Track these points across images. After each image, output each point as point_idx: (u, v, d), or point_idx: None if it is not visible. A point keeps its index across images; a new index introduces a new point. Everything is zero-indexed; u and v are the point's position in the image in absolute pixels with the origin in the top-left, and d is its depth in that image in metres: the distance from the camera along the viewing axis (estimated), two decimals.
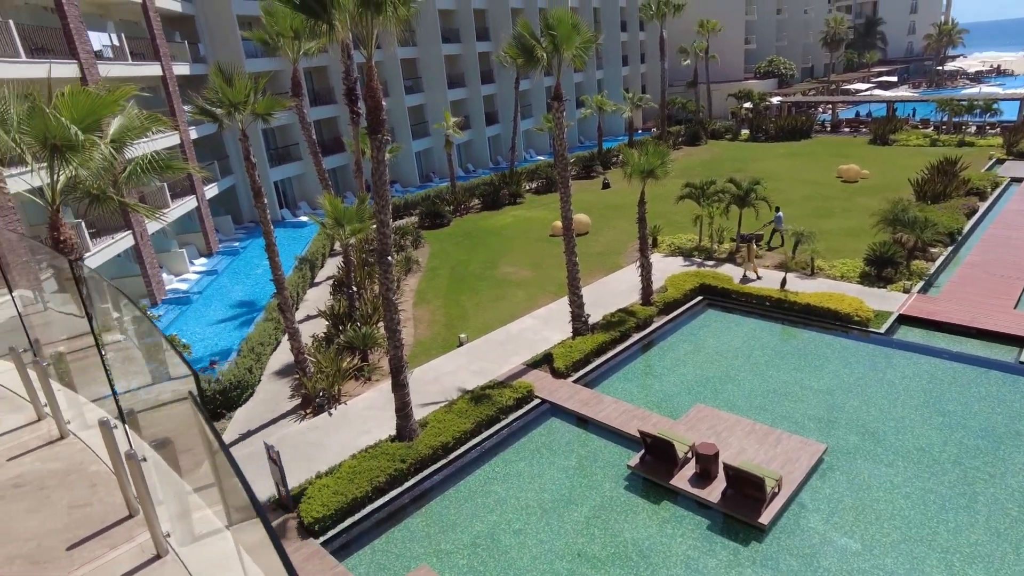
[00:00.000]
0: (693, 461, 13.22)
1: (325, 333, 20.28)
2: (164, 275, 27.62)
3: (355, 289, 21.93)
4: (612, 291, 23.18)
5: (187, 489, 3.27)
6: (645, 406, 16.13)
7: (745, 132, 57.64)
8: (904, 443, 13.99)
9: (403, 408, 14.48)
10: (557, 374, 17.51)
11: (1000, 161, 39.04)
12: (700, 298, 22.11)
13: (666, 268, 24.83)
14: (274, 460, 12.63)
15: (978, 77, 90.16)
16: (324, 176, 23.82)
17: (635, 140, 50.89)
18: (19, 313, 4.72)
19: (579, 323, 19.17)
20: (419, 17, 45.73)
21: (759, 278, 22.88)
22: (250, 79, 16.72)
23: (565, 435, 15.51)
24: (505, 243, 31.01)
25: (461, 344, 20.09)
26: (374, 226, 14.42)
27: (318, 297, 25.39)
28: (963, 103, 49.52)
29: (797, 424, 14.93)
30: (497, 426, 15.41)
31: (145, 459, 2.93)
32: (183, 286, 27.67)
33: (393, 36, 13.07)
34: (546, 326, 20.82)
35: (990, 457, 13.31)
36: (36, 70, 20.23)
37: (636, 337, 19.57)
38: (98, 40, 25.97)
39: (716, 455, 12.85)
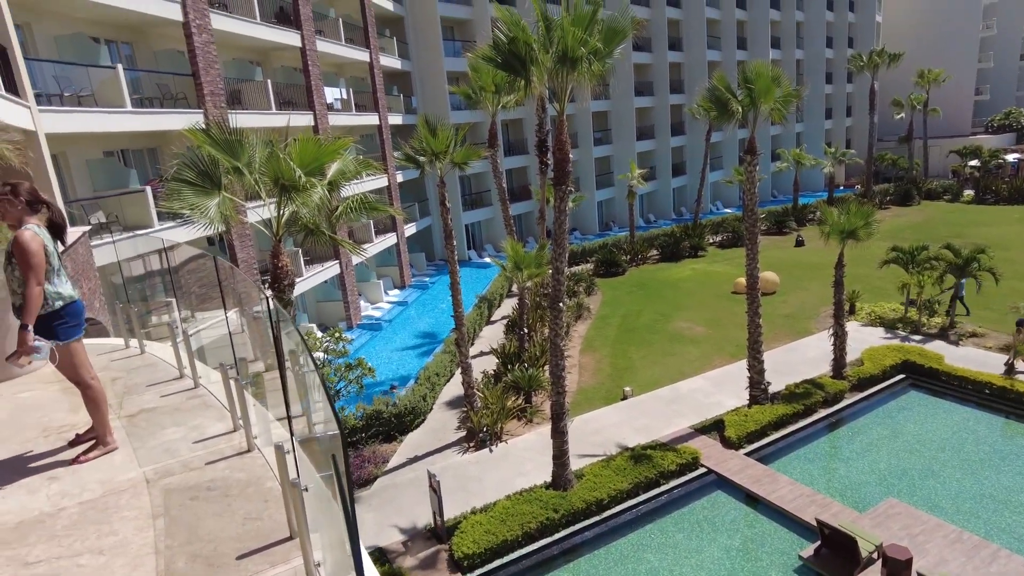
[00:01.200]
0: (879, 563, 11.55)
1: (494, 370, 20.96)
2: (362, 302, 30.47)
3: (526, 331, 22.48)
4: (798, 359, 21.38)
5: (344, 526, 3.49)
6: (826, 492, 14.49)
7: (969, 193, 50.91)
8: None
9: (560, 456, 14.41)
10: (727, 443, 16.38)
11: None
12: (902, 376, 19.58)
13: (864, 339, 22.40)
14: (435, 489, 13.16)
15: None
16: (510, 221, 24.96)
17: (836, 197, 47.26)
18: (229, 332, 5.50)
19: (757, 390, 17.86)
20: (613, 71, 46.70)
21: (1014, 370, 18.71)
22: (452, 130, 18.17)
23: (731, 512, 14.38)
24: (681, 296, 30.06)
25: (625, 397, 19.64)
26: (550, 271, 14.75)
27: (492, 335, 26.38)
28: None
29: (1020, 540, 12.47)
30: (656, 490, 14.72)
31: (307, 489, 3.18)
32: (376, 313, 30.29)
33: (587, 90, 13.44)
34: (719, 389, 19.67)
35: None
36: (279, 120, 23.75)
37: (823, 413, 17.76)
38: (330, 94, 29.87)
39: (909, 561, 11.11)
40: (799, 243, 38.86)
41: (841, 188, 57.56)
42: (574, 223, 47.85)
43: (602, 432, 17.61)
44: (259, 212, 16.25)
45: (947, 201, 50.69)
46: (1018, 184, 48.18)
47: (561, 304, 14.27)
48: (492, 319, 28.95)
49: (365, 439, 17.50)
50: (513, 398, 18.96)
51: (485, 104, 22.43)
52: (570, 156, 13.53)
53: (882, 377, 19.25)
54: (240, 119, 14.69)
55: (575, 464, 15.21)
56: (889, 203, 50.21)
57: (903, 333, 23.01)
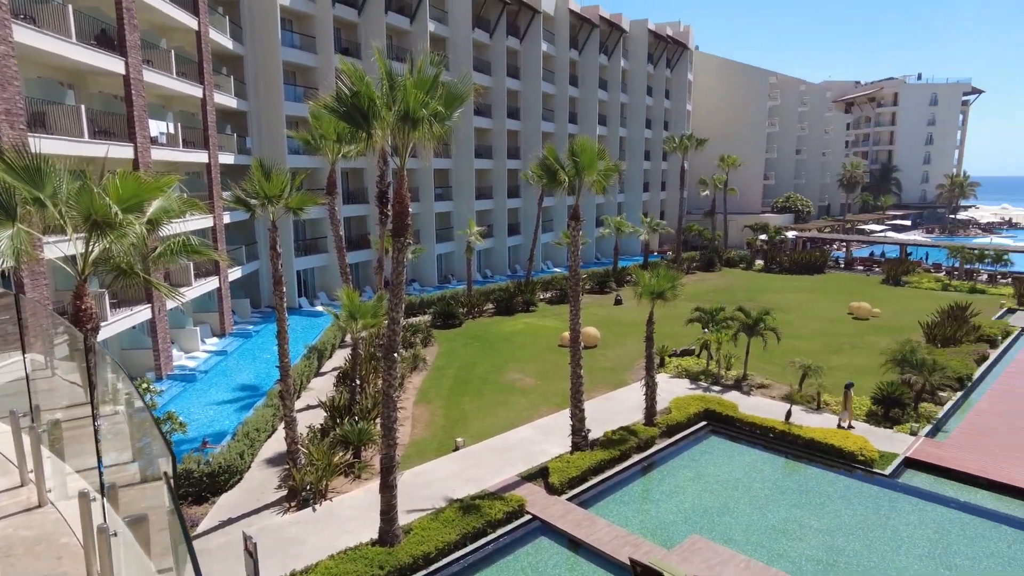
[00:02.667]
0: None
1: (322, 425, 20.20)
2: (175, 351, 27.99)
3: (358, 382, 22.03)
4: (616, 408, 23.01)
5: (152, 570, 3.36)
6: (640, 532, 15.61)
7: (759, 263, 58.76)
8: None
9: (388, 511, 14.18)
10: (552, 490, 17.11)
11: (1011, 311, 39.17)
12: (704, 423, 21.84)
13: (672, 390, 24.70)
14: (250, 552, 12.30)
15: (990, 228, 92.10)
16: (346, 270, 24.61)
17: (650, 262, 52.07)
18: (27, 376, 4.95)
19: (579, 437, 18.95)
20: (455, 134, 48.42)
21: (852, 427, 21.16)
22: (288, 175, 17.78)
23: (553, 556, 14.95)
24: (514, 349, 31.21)
25: (457, 449, 19.85)
26: (386, 322, 14.77)
27: (322, 387, 25.46)
28: (975, 251, 50.42)
29: (794, 564, 14.31)
30: (484, 540, 14.95)
31: (116, 533, 3.04)
32: (191, 363, 27.94)
33: (428, 148, 13.93)
34: (546, 438, 20.57)
35: None
36: (95, 150, 21.71)
37: (636, 458, 19.22)
38: (156, 127, 27.89)
39: None
40: (618, 302, 42.23)
41: (655, 254, 63.60)
42: (413, 274, 48.05)
43: (433, 485, 17.59)
44: (60, 248, 14.69)
45: (743, 269, 57.97)
46: (795, 257, 56.47)
47: (396, 355, 14.31)
48: (322, 371, 27.95)
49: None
50: (341, 453, 18.36)
51: (325, 151, 22.27)
52: (410, 209, 13.88)
53: (687, 424, 21.32)
54: (45, 145, 13.34)
55: (405, 519, 15.03)
56: (695, 268, 56.37)
57: (704, 384, 25.73)
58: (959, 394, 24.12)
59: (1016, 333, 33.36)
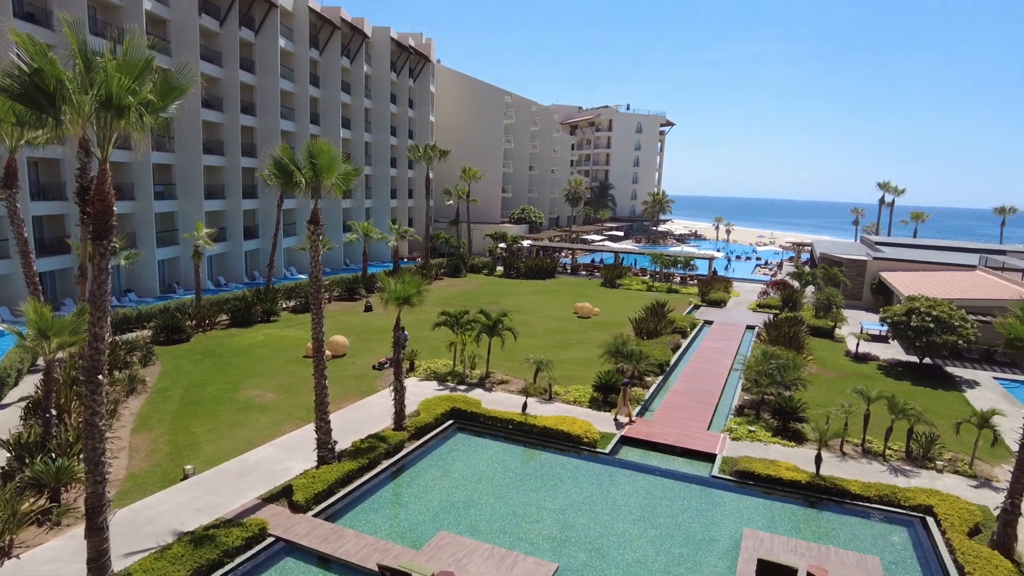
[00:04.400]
0: None
1: (4, 467, 16.61)
2: None
3: (54, 413, 18.56)
4: (365, 416, 22.70)
5: None
6: (389, 537, 15.57)
7: (500, 269, 62.86)
8: (625, 557, 15.23)
9: (98, 558, 12.15)
10: (296, 508, 16.24)
11: (697, 307, 47.39)
12: (451, 422, 22.61)
13: (421, 392, 25.16)
14: None
15: (682, 238, 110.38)
16: (35, 279, 20.51)
17: (400, 268, 52.49)
18: None
19: (325, 450, 18.29)
20: (178, 126, 43.75)
21: (632, 421, 22.84)
22: None
23: None
24: (253, 363, 29.04)
25: (186, 477, 17.82)
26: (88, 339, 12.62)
27: (5, 422, 20.96)
28: (670, 258, 60.03)
29: (533, 545, 15.52)
30: (220, 571, 13.62)
31: None
32: None
33: (142, 140, 12.23)
34: (290, 455, 19.47)
35: (691, 564, 15.05)
36: None
37: (385, 464, 19.15)
38: None
39: None
40: (368, 308, 41.82)
41: (405, 260, 64.38)
42: (129, 284, 42.08)
43: (158, 520, 15.55)
44: None
45: (486, 274, 61.41)
46: (530, 263, 61.49)
47: (102, 377, 12.33)
48: (4, 402, 23.03)
49: None
50: (32, 499, 15.29)
51: (2, 135, 18.41)
52: (115, 208, 12.07)
53: (435, 424, 21.88)
54: None
55: (122, 563, 13.06)
56: (443, 274, 58.31)
57: (451, 384, 26.68)
58: (660, 378, 28.42)
59: (700, 325, 40.39)
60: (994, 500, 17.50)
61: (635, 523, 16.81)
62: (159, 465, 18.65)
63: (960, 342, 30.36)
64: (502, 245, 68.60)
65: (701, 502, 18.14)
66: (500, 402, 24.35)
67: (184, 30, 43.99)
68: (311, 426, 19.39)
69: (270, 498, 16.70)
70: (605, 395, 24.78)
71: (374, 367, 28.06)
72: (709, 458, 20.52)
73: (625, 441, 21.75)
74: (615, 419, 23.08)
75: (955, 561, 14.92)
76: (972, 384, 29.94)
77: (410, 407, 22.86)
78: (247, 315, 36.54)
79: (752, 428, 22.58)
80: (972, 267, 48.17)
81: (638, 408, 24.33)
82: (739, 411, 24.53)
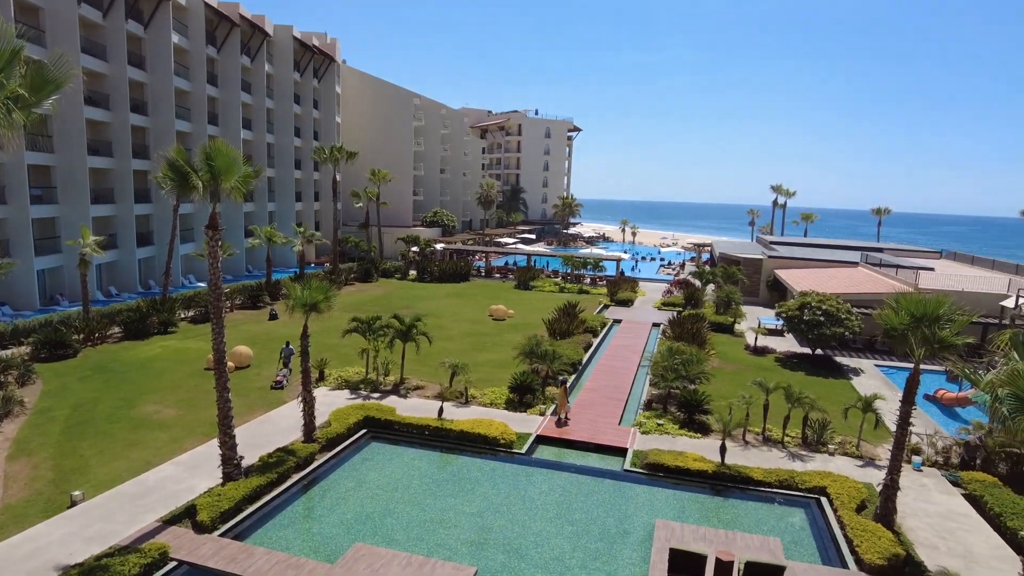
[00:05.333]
0: None
1: None
2: None
3: None
4: (273, 429, 21.79)
5: None
6: (303, 553, 15.01)
7: (413, 273, 62.11)
8: (542, 555, 15.38)
9: None
10: (201, 528, 15.36)
11: (606, 306, 48.69)
12: (365, 431, 22.09)
13: (332, 402, 24.45)
14: None
15: (591, 240, 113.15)
16: None
17: (307, 274, 50.85)
18: None
19: (231, 467, 17.39)
20: (57, 124, 40.44)
21: (567, 419, 23.26)
22: None
23: None
24: (150, 378, 27.24)
25: (75, 504, 16.45)
26: None
27: None
28: (580, 260, 61.37)
29: (451, 550, 15.39)
30: None
31: None
32: None
33: (15, 137, 11.17)
34: (192, 474, 18.38)
35: (606, 557, 15.39)
36: None
37: (296, 478, 18.45)
38: None
39: None
40: (273, 317, 40.21)
41: (312, 265, 62.42)
42: (2, 296, 38.48)
43: (41, 553, 14.27)
44: None
45: (399, 279, 60.51)
46: (444, 267, 61.15)
47: None
48: None
49: None
50: None
51: None
52: None
53: (348, 434, 21.31)
54: None
55: None
56: (354, 280, 56.96)
57: (364, 392, 26.06)
58: (574, 376, 28.95)
59: (610, 324, 41.51)
60: (877, 477, 18.97)
61: (552, 521, 17.01)
62: (41, 493, 17.12)
63: (847, 333, 32.80)
64: (415, 249, 67.79)
65: (614, 496, 18.61)
66: (416, 408, 24.03)
67: (60, 19, 40.66)
68: (215, 442, 18.39)
69: (172, 520, 15.71)
70: (521, 396, 24.97)
71: (272, 387, 26.45)
72: (621, 452, 21.09)
73: (541, 440, 21.99)
74: (556, 416, 23.52)
75: (845, 536, 16.06)
76: (857, 372, 32.36)
77: (321, 417, 22.16)
78: (142, 327, 34.26)
79: (660, 422, 23.41)
80: (855, 264, 52.15)
81: (553, 407, 24.66)
82: (648, 406, 25.38)
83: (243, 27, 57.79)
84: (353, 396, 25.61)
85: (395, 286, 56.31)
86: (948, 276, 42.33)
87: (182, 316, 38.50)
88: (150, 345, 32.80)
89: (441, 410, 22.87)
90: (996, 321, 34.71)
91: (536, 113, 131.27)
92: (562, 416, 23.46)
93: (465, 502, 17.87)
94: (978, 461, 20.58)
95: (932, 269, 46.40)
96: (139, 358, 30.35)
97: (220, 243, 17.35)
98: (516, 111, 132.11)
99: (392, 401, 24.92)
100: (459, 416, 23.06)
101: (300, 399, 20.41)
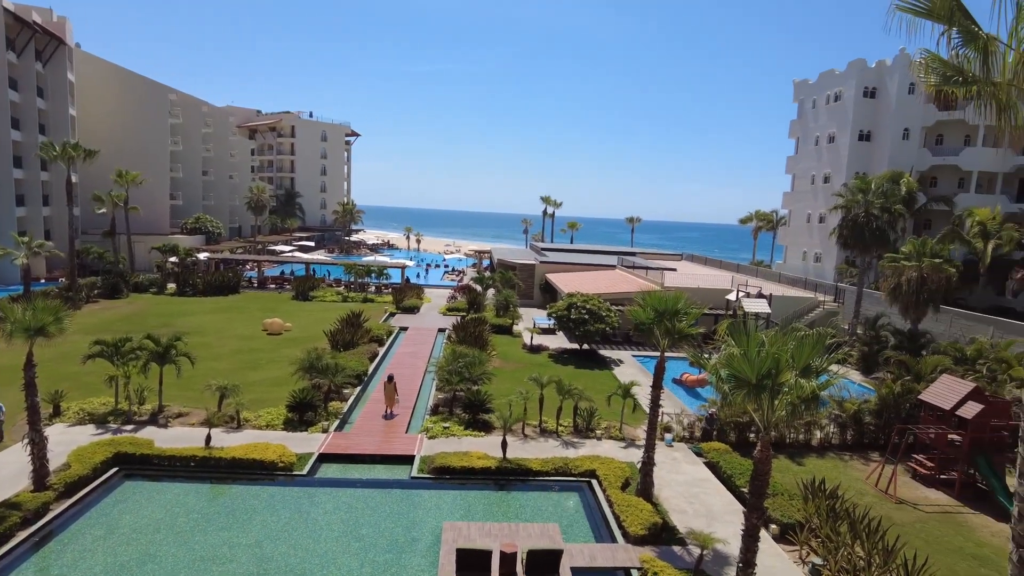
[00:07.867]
0: None
1: None
2: None
3: None
4: None
5: None
6: None
7: (172, 286, 55.82)
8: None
9: None
10: None
11: (392, 314, 48.36)
12: (116, 469, 19.30)
13: (73, 439, 21.00)
14: None
15: (375, 248, 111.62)
16: None
17: (37, 291, 43.19)
18: None
19: None
20: None
21: (394, 415, 24.77)
22: None
23: None
24: None
25: None
26: None
27: None
28: (364, 267, 60.18)
29: None
30: None
31: None
32: None
33: None
34: None
35: (395, 568, 15.23)
36: None
37: (24, 535, 15.49)
38: None
39: None
40: None
41: (43, 281, 53.20)
42: None
43: None
44: None
45: (154, 293, 53.89)
46: (209, 279, 55.86)
47: None
48: None
49: None
50: None
51: None
52: None
53: (93, 476, 18.45)
54: None
55: None
56: (98, 296, 49.58)
57: (115, 425, 22.80)
58: (359, 388, 28.25)
59: (396, 332, 41.27)
60: (637, 456, 21.30)
61: (337, 540, 16.41)
62: None
63: (608, 328, 36.44)
64: (173, 259, 61.02)
65: (402, 505, 18.51)
66: (178, 438, 21.59)
67: None
68: None
69: None
70: (301, 414, 23.73)
71: None
72: (408, 460, 21.06)
73: (324, 459, 21.10)
74: (390, 412, 25.03)
75: (613, 512, 17.76)
76: (618, 362, 36.04)
77: (58, 460, 18.90)
78: None
79: (447, 424, 23.85)
80: (613, 267, 58.18)
81: (336, 422, 23.83)
82: (434, 410, 25.70)
83: None
84: (100, 431, 22.24)
85: (150, 302, 50.11)
86: (687, 275, 49.23)
87: None
88: None
89: (209, 437, 20.81)
90: (723, 312, 41.06)
91: (311, 115, 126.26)
92: (389, 411, 25.08)
93: (241, 534, 16.48)
94: (715, 433, 24.10)
95: (675, 269, 53.69)
96: None
97: None
98: (288, 112, 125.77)
99: (150, 432, 22.12)
100: (231, 442, 21.20)
101: (26, 441, 17.18)
